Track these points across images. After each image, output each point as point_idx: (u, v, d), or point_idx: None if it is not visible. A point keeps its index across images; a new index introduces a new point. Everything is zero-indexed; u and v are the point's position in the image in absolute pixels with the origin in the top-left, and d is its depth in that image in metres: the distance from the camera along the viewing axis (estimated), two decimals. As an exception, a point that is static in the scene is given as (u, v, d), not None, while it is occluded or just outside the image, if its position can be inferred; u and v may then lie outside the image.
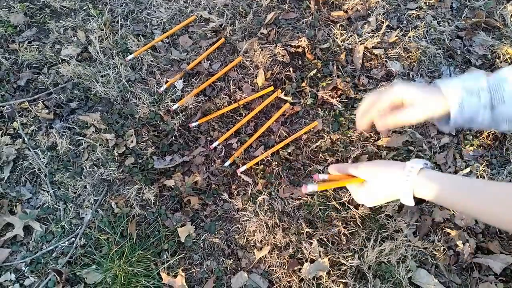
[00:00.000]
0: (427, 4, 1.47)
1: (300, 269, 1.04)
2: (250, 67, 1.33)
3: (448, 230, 1.09)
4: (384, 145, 1.22)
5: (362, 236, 1.09)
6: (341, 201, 1.13)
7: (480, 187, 0.68)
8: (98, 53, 1.34)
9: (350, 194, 1.12)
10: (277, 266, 1.05)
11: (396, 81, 0.86)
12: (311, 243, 1.07)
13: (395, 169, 0.72)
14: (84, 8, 1.46)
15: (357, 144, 1.21)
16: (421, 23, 1.42)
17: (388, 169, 0.74)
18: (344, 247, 1.08)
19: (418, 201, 0.72)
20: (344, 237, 1.09)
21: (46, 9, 1.47)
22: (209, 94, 1.30)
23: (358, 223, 1.10)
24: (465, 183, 0.68)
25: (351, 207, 1.12)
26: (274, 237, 1.08)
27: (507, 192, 0.63)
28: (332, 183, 0.79)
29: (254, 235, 1.09)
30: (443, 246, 1.08)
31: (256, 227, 1.09)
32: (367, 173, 0.77)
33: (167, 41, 1.39)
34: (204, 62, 1.34)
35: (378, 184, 0.75)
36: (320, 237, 1.09)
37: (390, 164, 0.75)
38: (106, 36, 1.38)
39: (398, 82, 0.87)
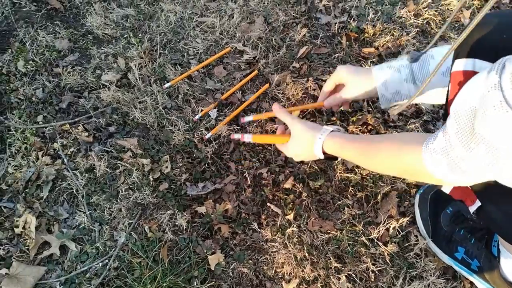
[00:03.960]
0: (457, 44, 1.50)
1: (328, 304, 1.05)
2: (282, 99, 1.37)
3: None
4: (414, 183, 1.23)
5: (391, 274, 1.09)
6: (370, 237, 1.13)
7: (354, 141, 0.85)
8: (137, 80, 1.40)
9: (379, 231, 1.13)
10: (305, 299, 1.05)
11: (340, 66, 1.01)
12: (339, 279, 1.08)
13: (315, 130, 0.91)
14: (125, 36, 1.53)
15: (386, 181, 1.23)
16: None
17: (310, 129, 0.91)
18: (372, 284, 1.08)
19: (330, 157, 0.92)
20: (373, 274, 1.09)
21: (89, 35, 1.55)
22: (241, 124, 1.34)
23: (387, 260, 1.11)
24: (349, 139, 0.86)
25: (380, 244, 1.13)
26: (302, 270, 1.09)
27: (365, 148, 0.82)
28: (264, 139, 1.05)
29: (282, 267, 1.10)
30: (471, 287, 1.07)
31: (285, 259, 1.11)
32: (296, 129, 0.94)
33: (202, 71, 1.44)
34: (237, 93, 1.39)
35: (300, 140, 0.93)
36: (349, 272, 1.09)
37: (313, 125, 0.93)
38: (145, 64, 1.44)
39: (342, 66, 1.02)
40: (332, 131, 0.91)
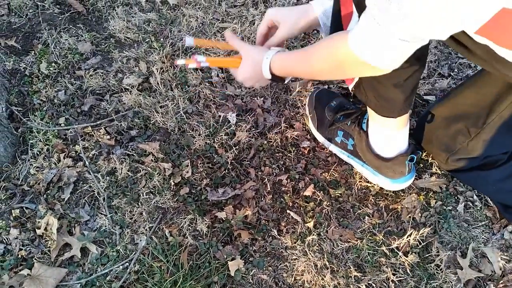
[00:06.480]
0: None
1: (348, 313, 1.04)
2: (301, 106, 1.38)
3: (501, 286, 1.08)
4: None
5: (411, 285, 1.09)
6: (391, 247, 1.13)
7: (293, 53, 0.95)
8: (158, 84, 1.41)
9: (400, 241, 1.13)
10: (325, 308, 1.05)
11: (270, 8, 1.03)
12: (359, 288, 1.08)
13: (262, 52, 0.95)
14: (146, 40, 1.55)
15: (407, 190, 1.22)
16: (472, 72, 1.44)
17: (257, 52, 0.96)
18: (393, 294, 1.07)
19: (278, 78, 0.96)
20: (393, 284, 1.09)
21: (111, 39, 1.57)
22: (261, 130, 1.34)
23: (408, 270, 1.10)
24: (291, 54, 0.94)
25: (401, 253, 1.12)
26: (322, 279, 1.09)
27: (303, 54, 0.89)
28: (218, 62, 1.18)
29: (302, 275, 1.10)
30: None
31: (305, 267, 1.11)
32: (246, 53, 0.98)
33: (223, 77, 1.45)
34: (257, 99, 1.39)
35: (249, 62, 0.97)
36: (369, 282, 1.09)
37: (262, 48, 0.98)
38: (166, 69, 1.45)
39: (272, 8, 1.04)
40: (279, 51, 0.95)
